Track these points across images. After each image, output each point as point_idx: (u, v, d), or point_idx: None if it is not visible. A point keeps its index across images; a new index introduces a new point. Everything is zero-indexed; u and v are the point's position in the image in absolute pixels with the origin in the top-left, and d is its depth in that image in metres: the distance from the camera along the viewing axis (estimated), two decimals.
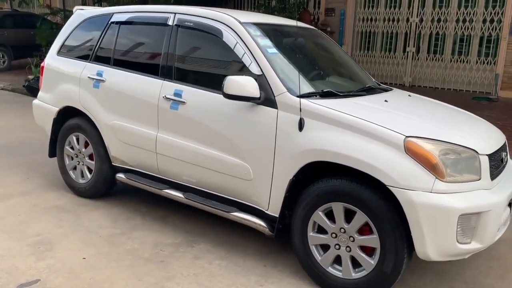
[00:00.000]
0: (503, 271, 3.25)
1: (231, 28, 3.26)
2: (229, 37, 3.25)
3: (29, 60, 11.66)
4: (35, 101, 4.58)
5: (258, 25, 3.41)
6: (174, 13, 3.60)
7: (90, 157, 4.15)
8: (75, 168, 4.31)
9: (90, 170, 4.18)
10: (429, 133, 2.66)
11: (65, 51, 4.35)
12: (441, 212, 2.45)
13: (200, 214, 3.81)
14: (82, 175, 4.25)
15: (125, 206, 4.13)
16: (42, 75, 4.50)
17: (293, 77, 3.10)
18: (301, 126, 2.85)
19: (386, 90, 3.68)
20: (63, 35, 4.40)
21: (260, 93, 2.98)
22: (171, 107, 3.44)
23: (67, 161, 4.34)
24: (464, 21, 10.45)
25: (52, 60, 4.41)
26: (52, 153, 4.48)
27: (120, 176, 3.93)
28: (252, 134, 3.05)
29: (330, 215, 2.83)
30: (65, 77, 4.21)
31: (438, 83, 10.98)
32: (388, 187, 2.53)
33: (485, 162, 2.67)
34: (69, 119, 4.25)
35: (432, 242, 2.49)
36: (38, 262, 3.11)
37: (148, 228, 3.71)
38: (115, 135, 3.84)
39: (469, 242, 2.57)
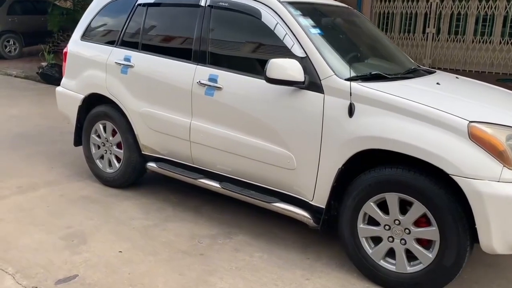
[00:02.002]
0: None
1: (271, 8, 3.07)
2: (268, 18, 3.06)
3: (40, 47, 11.51)
4: (58, 88, 4.43)
5: (297, 4, 3.21)
6: None
7: (118, 145, 4.01)
8: (102, 157, 4.17)
9: (118, 159, 4.04)
10: (493, 118, 2.48)
11: (89, 35, 4.17)
12: (510, 203, 2.28)
13: (233, 204, 3.68)
14: (110, 164, 4.11)
15: (155, 196, 4.00)
16: (65, 61, 4.34)
17: (339, 59, 2.92)
18: (351, 111, 2.67)
19: (430, 72, 3.48)
20: (87, 19, 4.22)
21: (305, 77, 2.80)
22: (206, 93, 3.26)
23: (93, 150, 4.20)
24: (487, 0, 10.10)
25: (75, 45, 4.24)
26: (77, 142, 4.34)
27: (151, 165, 3.78)
28: (295, 121, 2.88)
29: (381, 206, 2.67)
30: (90, 63, 4.04)
31: (459, 65, 10.67)
32: (452, 176, 2.35)
33: None
34: (95, 107, 4.09)
35: (499, 235, 2.32)
36: (73, 256, 2.99)
37: (181, 219, 3.57)
38: (145, 123, 3.68)
39: None
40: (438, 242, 2.49)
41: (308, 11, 3.23)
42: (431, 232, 2.50)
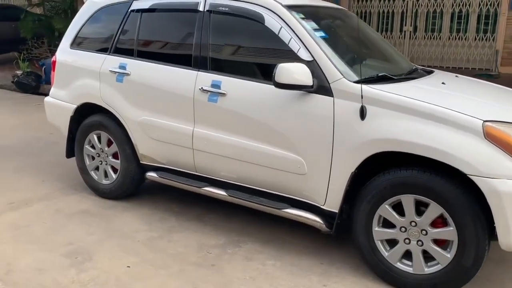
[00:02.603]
0: None
1: (274, 12, 3.02)
2: (272, 22, 3.02)
3: (12, 55, 11.16)
4: (47, 99, 4.27)
5: (298, 7, 3.18)
6: None
7: (114, 156, 3.89)
8: (97, 168, 4.04)
9: (114, 170, 3.92)
10: (504, 116, 2.51)
11: (79, 43, 4.03)
12: None
13: (237, 211, 3.63)
14: (106, 176, 3.99)
15: (154, 206, 3.90)
16: (53, 71, 4.19)
17: (345, 62, 2.91)
18: (363, 114, 2.65)
19: (429, 72, 3.50)
20: (76, 26, 4.08)
21: (313, 81, 2.77)
22: (209, 100, 3.20)
23: (87, 161, 4.06)
24: None
25: (65, 54, 4.09)
26: (69, 154, 4.19)
27: (152, 174, 3.68)
28: (305, 125, 2.84)
29: (396, 208, 2.67)
30: (82, 71, 3.91)
31: (437, 62, 10.87)
32: (469, 176, 2.36)
33: None
34: (89, 117, 3.96)
35: None
36: (80, 274, 2.87)
37: (186, 229, 3.49)
38: (144, 132, 3.58)
39: None
40: (456, 242, 2.50)
41: (310, 14, 3.21)
42: (449, 232, 2.51)
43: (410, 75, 3.23)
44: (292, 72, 2.73)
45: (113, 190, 3.94)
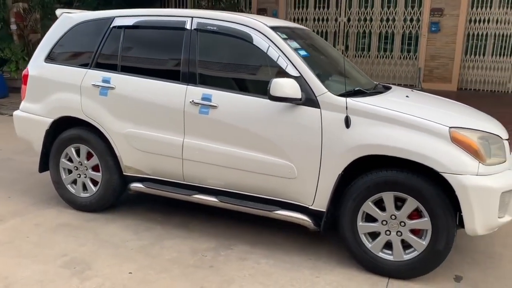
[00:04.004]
0: (504, 241, 3.72)
1: (261, 32, 3.33)
2: (260, 41, 3.32)
3: None
4: (17, 113, 4.20)
5: (281, 28, 3.52)
6: (191, 17, 3.56)
7: (94, 168, 3.94)
8: (74, 181, 4.04)
9: (94, 182, 3.96)
10: (464, 123, 3.01)
11: (55, 58, 4.04)
12: (487, 192, 2.80)
13: (219, 217, 3.86)
14: (84, 188, 4.01)
15: (136, 216, 3.98)
16: (25, 84, 4.14)
17: (327, 78, 3.28)
18: (347, 123, 3.03)
19: (387, 88, 3.97)
20: (50, 41, 4.08)
21: (302, 94, 3.11)
22: (200, 112, 3.41)
23: (63, 175, 4.05)
24: (387, 20, 11.42)
25: (38, 68, 4.07)
26: (43, 168, 4.15)
27: (137, 185, 3.78)
28: (295, 134, 3.16)
29: (376, 204, 3.06)
30: (60, 85, 3.92)
31: None
32: (441, 173, 2.81)
33: (506, 146, 3.08)
34: (66, 130, 3.98)
35: (480, 219, 2.82)
36: (85, 283, 2.93)
37: (175, 236, 3.63)
38: (130, 144, 3.69)
39: (503, 216, 2.95)
40: (430, 231, 2.93)
41: (290, 35, 3.56)
42: (424, 222, 2.94)
43: (376, 89, 3.69)
44: (285, 86, 3.04)
45: (94, 203, 3.97)
